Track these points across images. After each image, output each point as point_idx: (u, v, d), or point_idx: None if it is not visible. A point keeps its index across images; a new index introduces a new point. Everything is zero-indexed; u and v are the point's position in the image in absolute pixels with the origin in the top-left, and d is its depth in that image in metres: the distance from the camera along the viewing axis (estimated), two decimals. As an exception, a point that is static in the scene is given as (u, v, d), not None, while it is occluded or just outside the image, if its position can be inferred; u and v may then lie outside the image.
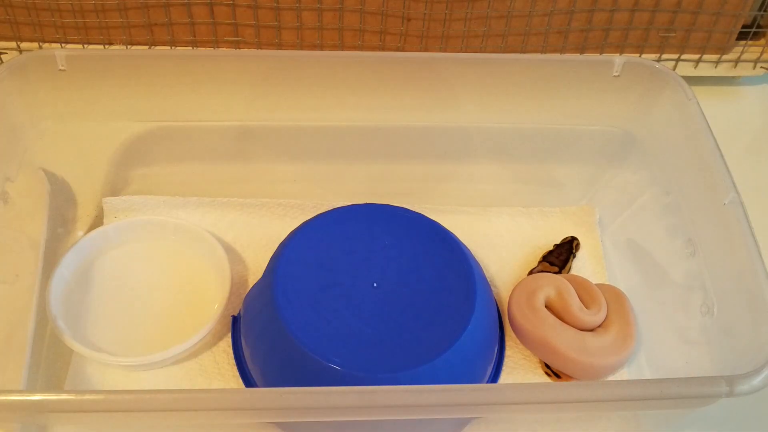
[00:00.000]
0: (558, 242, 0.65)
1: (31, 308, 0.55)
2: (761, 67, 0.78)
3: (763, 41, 0.78)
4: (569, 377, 0.56)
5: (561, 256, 0.63)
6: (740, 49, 0.77)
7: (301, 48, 0.74)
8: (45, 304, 0.56)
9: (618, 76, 0.59)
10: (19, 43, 0.73)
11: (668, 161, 0.59)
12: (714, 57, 0.78)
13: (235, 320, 0.58)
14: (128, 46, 0.73)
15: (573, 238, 0.65)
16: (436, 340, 0.51)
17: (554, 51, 0.75)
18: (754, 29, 0.76)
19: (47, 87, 0.58)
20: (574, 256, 0.64)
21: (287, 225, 0.63)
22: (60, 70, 0.57)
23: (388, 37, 0.73)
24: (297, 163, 0.66)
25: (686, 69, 0.78)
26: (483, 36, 0.73)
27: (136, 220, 0.63)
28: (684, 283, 0.55)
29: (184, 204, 0.66)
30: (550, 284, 0.58)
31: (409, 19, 0.72)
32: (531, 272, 0.62)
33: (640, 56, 0.76)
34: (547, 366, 0.57)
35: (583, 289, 0.59)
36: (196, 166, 0.66)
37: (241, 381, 0.56)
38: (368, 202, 0.61)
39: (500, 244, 0.66)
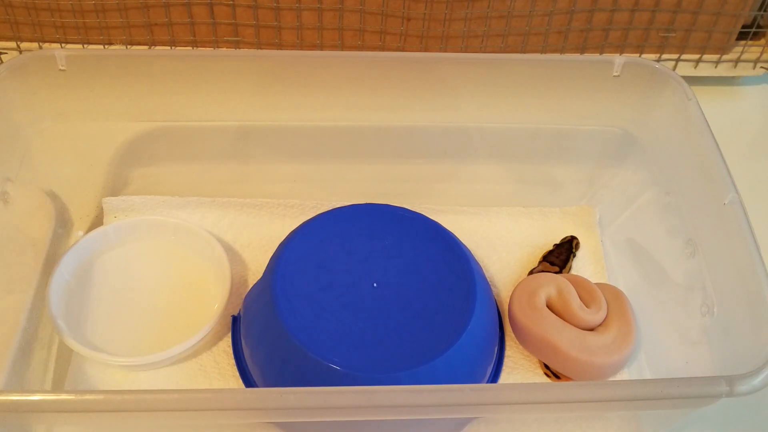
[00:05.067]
0: (558, 242, 0.65)
1: (30, 308, 0.55)
2: (761, 67, 0.78)
3: (763, 41, 0.78)
4: (569, 378, 0.56)
5: (561, 255, 0.63)
6: (740, 49, 0.77)
7: (301, 48, 0.74)
8: (45, 304, 0.56)
9: (618, 76, 0.59)
10: (19, 43, 0.73)
11: (668, 161, 0.59)
12: (714, 57, 0.78)
13: (235, 320, 0.58)
14: (128, 46, 0.73)
15: (573, 238, 0.65)
16: (436, 340, 0.51)
17: (554, 51, 0.75)
18: (754, 29, 0.76)
19: (47, 87, 0.58)
20: (574, 256, 0.64)
21: (287, 225, 0.63)
22: (60, 70, 0.57)
23: (388, 37, 0.73)
24: (297, 163, 0.66)
25: (686, 69, 0.78)
26: (483, 36, 0.73)
27: (136, 220, 0.63)
28: (684, 283, 0.55)
29: (184, 204, 0.66)
30: (551, 283, 0.58)
31: (409, 19, 0.72)
32: (531, 272, 0.62)
33: (640, 56, 0.76)
34: (546, 367, 0.57)
35: (583, 288, 0.59)
36: (196, 166, 0.66)
37: (241, 381, 0.56)
38: (368, 202, 0.61)
39: (500, 244, 0.66)
